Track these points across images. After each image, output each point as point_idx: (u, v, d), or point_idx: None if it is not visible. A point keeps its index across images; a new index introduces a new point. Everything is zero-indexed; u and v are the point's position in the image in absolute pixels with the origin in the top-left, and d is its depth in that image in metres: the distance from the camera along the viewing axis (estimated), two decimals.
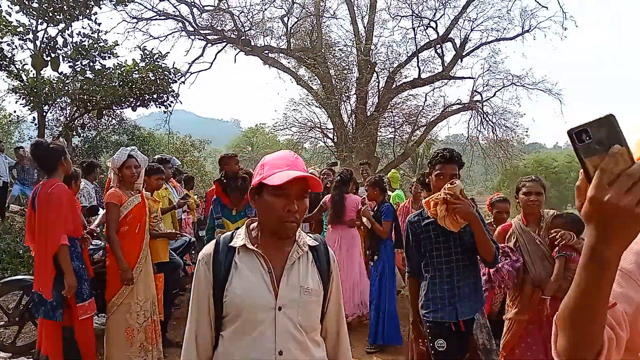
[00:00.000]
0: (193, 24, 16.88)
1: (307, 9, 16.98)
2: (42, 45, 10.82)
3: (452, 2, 16.09)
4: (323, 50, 16.68)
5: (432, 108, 17.22)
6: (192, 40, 17.28)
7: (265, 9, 16.84)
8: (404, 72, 16.90)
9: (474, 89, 16.44)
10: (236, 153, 5.01)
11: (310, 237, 1.66)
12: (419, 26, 16.04)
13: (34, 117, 11.60)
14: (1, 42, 10.30)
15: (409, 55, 16.47)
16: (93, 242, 4.42)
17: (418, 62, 16.25)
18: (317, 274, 1.58)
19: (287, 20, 16.64)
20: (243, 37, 16.60)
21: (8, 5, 10.58)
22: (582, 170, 0.84)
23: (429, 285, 2.89)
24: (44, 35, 10.93)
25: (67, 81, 10.97)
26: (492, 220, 4.55)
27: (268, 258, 1.52)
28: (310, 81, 17.67)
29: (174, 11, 16.75)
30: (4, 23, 10.26)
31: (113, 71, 11.13)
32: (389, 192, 7.44)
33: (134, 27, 16.10)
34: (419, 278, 3.01)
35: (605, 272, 0.81)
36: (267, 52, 17.39)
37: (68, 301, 3.51)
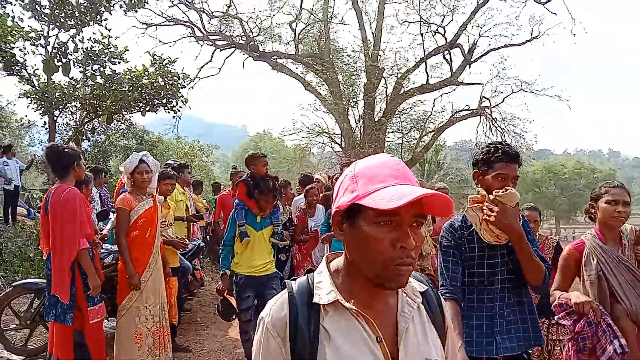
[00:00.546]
0: (202, 29, 17.01)
1: (315, 15, 17.06)
2: (54, 51, 10.94)
3: (461, 8, 16.11)
4: (331, 56, 16.74)
5: (440, 114, 17.21)
6: (201, 45, 17.42)
7: (274, 15, 16.95)
8: (412, 77, 16.94)
9: (483, 94, 16.41)
10: (265, 153, 4.51)
11: (414, 277, 1.16)
12: (427, 32, 16.06)
13: (44, 122, 11.70)
14: (13, 48, 10.41)
15: (417, 61, 16.49)
16: (103, 247, 4.45)
17: (426, 68, 16.26)
18: (437, 335, 1.13)
19: (296, 26, 16.73)
20: (251, 43, 16.69)
21: (20, 11, 10.73)
22: None
23: (464, 309, 2.34)
24: (55, 40, 11.05)
25: (78, 86, 11.07)
26: None
27: (372, 319, 1.04)
28: (318, 86, 17.72)
29: (183, 17, 16.90)
30: (16, 28, 10.38)
31: (123, 76, 11.21)
32: None
33: (143, 33, 16.26)
34: (459, 301, 2.33)
35: None
36: (275, 57, 17.48)
37: (79, 305, 3.53)
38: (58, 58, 11.00)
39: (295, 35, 16.71)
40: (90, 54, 11.11)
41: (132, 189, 3.99)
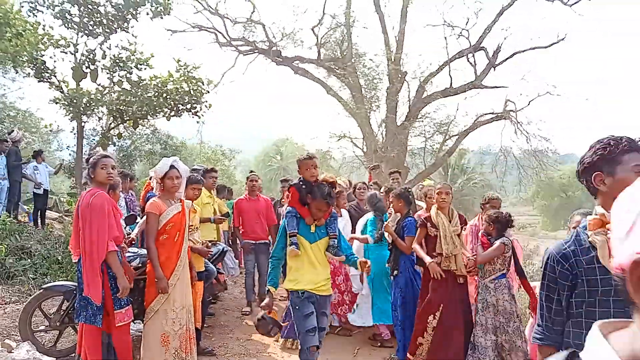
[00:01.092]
0: (226, 35, 17.20)
1: (337, 20, 17.09)
2: (82, 58, 11.21)
3: (485, 10, 15.93)
4: (353, 60, 16.73)
5: (464, 118, 17.04)
6: (225, 51, 17.61)
7: (296, 20, 17.06)
8: (435, 81, 16.79)
9: (507, 98, 16.17)
10: (315, 155, 3.90)
11: None
12: (450, 35, 15.93)
13: (73, 127, 11.98)
14: (44, 55, 10.70)
15: (440, 64, 16.34)
16: (130, 250, 4.50)
17: (450, 71, 16.11)
18: None
19: (318, 31, 16.79)
20: (274, 48, 16.81)
21: (51, 20, 11.03)
22: None
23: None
24: (83, 48, 11.33)
25: (105, 92, 11.31)
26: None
27: None
28: (340, 91, 17.72)
29: (207, 23, 17.13)
30: (47, 36, 10.67)
31: (149, 82, 11.41)
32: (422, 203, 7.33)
33: (169, 39, 16.54)
34: (558, 347, 1.90)
35: None
36: (297, 62, 17.56)
37: (107, 308, 3.58)
38: (86, 65, 11.27)
39: (317, 40, 16.76)
40: (117, 61, 11.36)
41: (162, 193, 4.04)
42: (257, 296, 6.66)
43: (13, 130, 9.56)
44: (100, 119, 13.75)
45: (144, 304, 4.10)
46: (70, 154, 14.33)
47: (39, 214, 9.56)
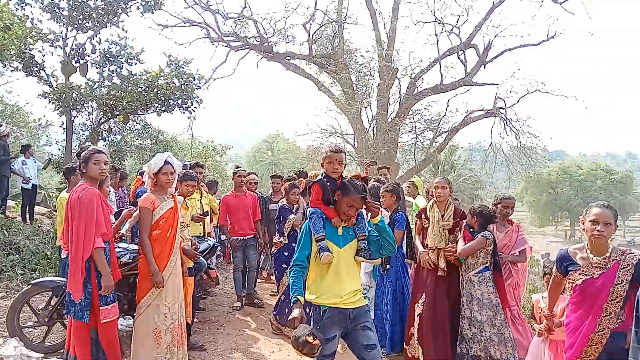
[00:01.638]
0: (217, 31, 17.12)
1: (329, 16, 17.08)
2: (72, 52, 11.10)
3: (476, 8, 16.01)
4: (344, 57, 16.75)
5: (454, 114, 17.12)
6: (216, 46, 17.53)
7: (288, 16, 17.00)
8: (426, 78, 16.88)
9: (497, 95, 16.28)
10: (342, 149, 3.40)
11: None
12: (441, 32, 15.99)
13: (62, 122, 11.87)
14: (32, 49, 10.58)
15: (431, 61, 16.41)
16: (120, 245, 4.50)
17: (440, 68, 16.18)
18: None
19: (309, 27, 16.75)
20: (265, 44, 16.76)
21: (39, 13, 10.91)
22: None
23: None
24: (73, 42, 11.21)
25: (95, 87, 11.20)
26: None
27: None
28: (332, 87, 17.73)
29: (198, 19, 17.02)
30: (35, 30, 10.55)
31: (139, 77, 11.32)
32: (411, 199, 7.38)
33: (159, 34, 16.43)
34: None
35: None
36: (289, 58, 17.54)
37: (93, 304, 3.58)
38: (76, 59, 11.17)
39: (309, 36, 16.74)
40: (107, 55, 11.27)
41: (155, 188, 4.05)
42: (245, 292, 6.68)
43: (1, 125, 9.47)
44: (90, 113, 13.63)
45: (134, 299, 4.11)
46: (59, 149, 14.19)
47: (27, 209, 9.48)
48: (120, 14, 11.26)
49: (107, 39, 11.51)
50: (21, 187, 9.75)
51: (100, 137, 12.58)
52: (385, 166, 8.05)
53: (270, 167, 41.17)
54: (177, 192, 4.61)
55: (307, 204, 5.89)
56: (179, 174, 4.43)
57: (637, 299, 2.38)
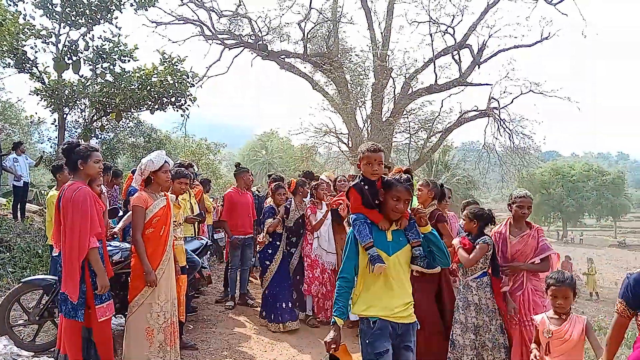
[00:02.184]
0: (211, 28, 17.05)
1: (324, 15, 17.06)
2: (64, 49, 11.02)
3: (470, 8, 16.05)
4: (339, 56, 16.74)
5: (448, 114, 17.16)
6: (210, 44, 17.47)
7: (283, 14, 16.97)
8: (420, 78, 16.90)
9: (491, 95, 16.33)
10: (381, 147, 3.01)
11: None
12: (436, 32, 16.01)
13: (54, 119, 11.79)
14: (25, 45, 10.50)
15: (425, 61, 16.44)
16: (112, 244, 4.47)
17: (435, 68, 16.21)
18: None
19: (304, 26, 16.73)
20: (260, 42, 16.72)
21: (32, 9, 10.82)
22: None
23: None
24: (66, 38, 11.13)
25: (88, 84, 11.13)
26: None
27: None
28: (326, 86, 17.72)
29: (192, 16, 16.95)
30: (28, 26, 10.47)
31: (132, 74, 11.26)
32: None
33: (153, 31, 16.34)
34: None
35: None
36: (283, 56, 17.51)
37: (88, 302, 3.55)
38: (68, 56, 11.09)
39: (303, 35, 16.71)
40: (100, 52, 11.19)
41: (148, 187, 4.02)
42: (238, 291, 6.66)
43: None
44: (82, 111, 13.56)
45: (126, 298, 4.09)
46: (51, 146, 14.13)
47: (18, 206, 9.40)
48: (113, 10, 11.20)
49: (100, 36, 11.45)
50: (12, 184, 9.67)
51: (92, 135, 12.52)
52: (386, 165, 7.79)
53: (264, 165, 41.11)
54: (169, 190, 4.59)
55: (290, 202, 6.00)
56: (171, 172, 4.44)
57: None
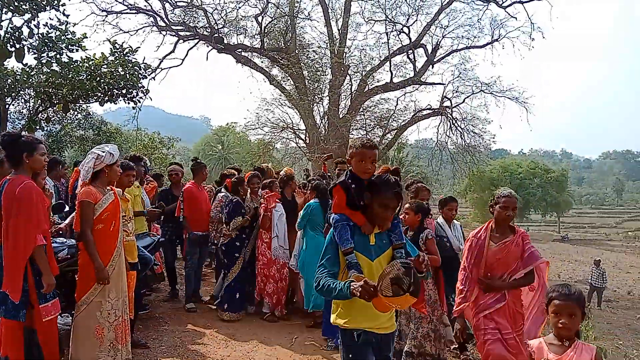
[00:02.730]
0: (165, 19, 16.60)
1: (281, 9, 16.96)
2: (6, 35, 10.43)
3: (425, 8, 16.40)
4: (297, 51, 16.69)
5: (403, 112, 17.47)
6: (164, 35, 17.00)
7: (239, 7, 16.74)
8: (376, 75, 17.11)
9: (444, 94, 16.77)
10: (376, 144, 2.81)
11: None
12: (392, 31, 16.24)
13: None
14: None
15: (381, 59, 16.66)
16: (57, 240, 4.30)
17: (390, 66, 16.45)
18: None
19: (261, 20, 16.57)
20: (216, 35, 16.43)
21: None
22: None
23: None
24: (8, 25, 10.54)
25: (32, 73, 10.60)
26: None
27: None
28: (284, 81, 17.65)
29: (145, 5, 16.44)
30: None
31: (80, 64, 10.80)
32: None
33: (103, 20, 15.73)
34: None
35: None
36: (240, 50, 17.27)
37: (31, 302, 3.41)
38: (11, 43, 10.50)
39: (261, 29, 16.55)
40: (46, 40, 10.67)
41: (98, 181, 3.89)
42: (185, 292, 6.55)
43: None
44: (26, 101, 12.93)
45: (72, 296, 3.96)
46: None
47: None
48: None
49: (47, 23, 10.89)
50: None
51: (37, 127, 11.94)
52: (343, 160, 7.40)
53: (220, 160, 40.55)
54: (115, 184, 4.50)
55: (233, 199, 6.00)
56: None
57: None
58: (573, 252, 33.32)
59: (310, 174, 7.93)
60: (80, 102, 11.88)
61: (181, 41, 17.06)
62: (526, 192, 46.82)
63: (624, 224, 65.19)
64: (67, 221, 4.72)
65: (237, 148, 38.04)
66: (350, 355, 2.61)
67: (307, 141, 17.10)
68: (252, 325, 5.74)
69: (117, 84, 10.89)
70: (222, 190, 6.56)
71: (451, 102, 16.72)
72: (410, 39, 16.30)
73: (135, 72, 11.13)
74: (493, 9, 16.25)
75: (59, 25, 10.90)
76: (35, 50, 10.63)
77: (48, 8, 10.59)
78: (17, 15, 10.40)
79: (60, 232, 4.59)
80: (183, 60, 17.44)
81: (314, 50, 17.41)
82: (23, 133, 3.56)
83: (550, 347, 2.57)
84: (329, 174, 7.43)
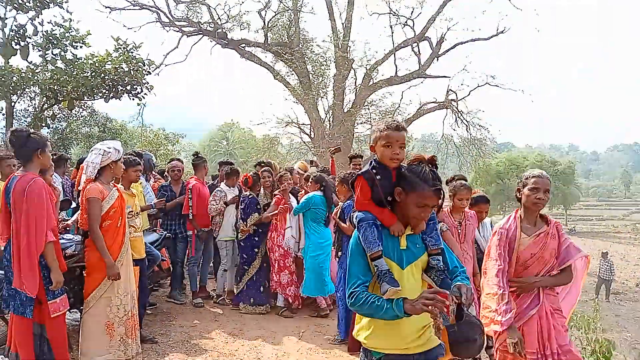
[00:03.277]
0: (168, 15, 16.59)
1: (284, 3, 16.90)
2: (12, 33, 10.47)
3: (429, 1, 16.30)
4: (300, 46, 16.63)
5: (408, 106, 17.41)
6: (167, 31, 16.99)
7: (243, 2, 16.69)
8: (380, 69, 17.03)
9: (449, 87, 16.68)
10: (404, 125, 2.34)
11: None
12: (396, 24, 16.17)
13: (1, 107, 11.23)
14: None
15: (386, 52, 16.59)
16: (65, 237, 4.32)
17: (395, 60, 16.38)
18: None
19: (265, 14, 16.53)
20: (219, 30, 16.40)
21: None
22: None
23: None
24: (13, 22, 10.58)
25: (37, 70, 10.64)
26: None
27: None
28: (288, 76, 17.60)
29: (148, 2, 16.43)
30: None
31: (85, 61, 10.83)
32: None
33: (107, 17, 15.75)
34: None
35: None
36: (243, 45, 17.24)
37: (39, 298, 3.43)
38: (16, 41, 10.54)
39: (264, 24, 16.51)
40: (50, 38, 10.70)
41: (103, 177, 3.91)
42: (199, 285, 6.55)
43: None
44: (32, 99, 12.98)
45: (80, 292, 3.98)
46: (2, 135, 13.45)
47: None
48: None
49: (50, 20, 10.93)
50: None
51: (43, 124, 11.99)
52: (359, 155, 7.23)
53: (225, 156, 40.58)
54: (121, 179, 4.56)
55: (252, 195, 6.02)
56: (126, 160, 4.44)
57: None
58: (581, 245, 33.09)
59: (317, 165, 7.87)
60: (85, 99, 11.90)
61: (185, 37, 17.05)
62: None
63: (632, 216, 64.81)
64: (74, 218, 4.74)
65: (242, 144, 38.07)
66: None
67: (312, 136, 17.07)
68: (259, 320, 5.75)
69: (122, 81, 10.90)
70: (222, 184, 6.56)
71: (456, 95, 16.64)
72: (414, 31, 16.22)
73: (140, 68, 11.13)
74: (498, 1, 16.11)
75: (63, 22, 10.92)
76: (39, 48, 10.67)
77: (52, 5, 10.60)
78: (21, 12, 10.43)
79: (68, 228, 4.61)
80: (187, 56, 17.44)
81: (317, 45, 17.35)
82: (31, 130, 3.57)
83: (522, 229, 2.82)
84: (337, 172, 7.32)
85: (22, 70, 10.50)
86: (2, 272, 3.64)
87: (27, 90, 11.22)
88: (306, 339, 5.18)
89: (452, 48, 16.56)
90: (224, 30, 16.60)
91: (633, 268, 22.85)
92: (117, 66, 10.80)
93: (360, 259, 2.14)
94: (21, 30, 10.57)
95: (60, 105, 12.13)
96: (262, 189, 6.24)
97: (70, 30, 10.94)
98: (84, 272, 4.07)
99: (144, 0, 16.37)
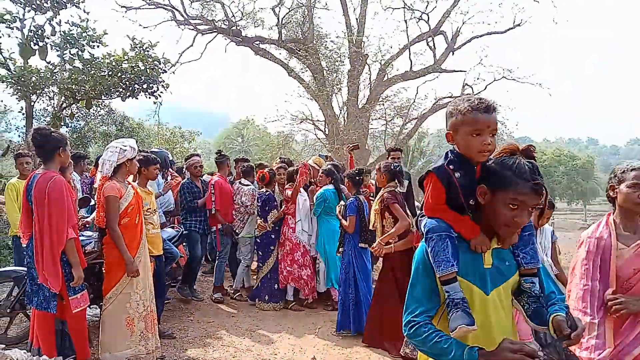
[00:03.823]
0: (183, 13, 16.69)
1: (298, 0, 16.87)
2: (30, 34, 10.62)
3: None
4: (314, 42, 16.61)
5: (423, 101, 17.27)
6: (182, 30, 17.10)
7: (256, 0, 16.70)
8: (395, 64, 16.93)
9: (465, 82, 16.50)
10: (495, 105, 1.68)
11: None
12: (411, 19, 16.03)
13: (21, 107, 11.42)
14: None
15: (400, 47, 16.47)
16: (85, 233, 4.39)
17: (410, 54, 16.26)
18: None
19: (279, 11, 16.53)
20: (234, 28, 16.46)
21: None
22: None
23: None
24: (31, 23, 10.73)
25: (55, 70, 10.79)
26: None
27: None
28: (302, 72, 17.59)
29: (163, 0, 16.55)
30: None
31: (102, 60, 10.95)
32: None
33: (123, 16, 15.91)
34: None
35: None
36: (258, 42, 17.27)
37: (61, 294, 3.49)
38: (34, 41, 10.69)
39: (278, 20, 16.52)
40: (68, 38, 10.83)
41: (118, 175, 3.97)
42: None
43: None
44: (50, 98, 13.15)
45: (100, 288, 4.04)
46: (19, 136, 13.70)
47: None
48: None
49: (68, 21, 11.06)
50: None
51: (62, 123, 12.17)
52: (398, 148, 6.97)
53: (240, 154, 40.79)
54: (140, 176, 4.64)
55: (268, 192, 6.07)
56: (143, 159, 4.51)
57: None
58: None
59: (333, 159, 7.88)
60: (103, 97, 12.04)
61: (200, 35, 17.14)
62: (551, 180, 45.89)
63: None
64: (93, 215, 4.81)
65: (257, 141, 38.20)
66: None
67: (327, 132, 17.05)
68: (276, 316, 5.79)
69: (138, 79, 11.00)
70: (243, 182, 6.60)
71: (472, 90, 16.46)
72: (429, 26, 16.07)
73: (156, 67, 11.22)
74: None
75: (80, 22, 11.05)
76: (57, 48, 10.81)
77: (69, 5, 10.74)
78: (39, 13, 10.58)
79: (87, 225, 4.68)
80: (202, 54, 17.54)
81: (332, 40, 17.31)
82: (51, 129, 3.63)
83: (619, 238, 2.05)
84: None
85: (41, 71, 10.66)
86: (25, 269, 3.71)
87: (46, 90, 11.37)
88: (322, 334, 5.20)
89: (467, 42, 16.39)
90: (238, 28, 16.65)
91: None
92: (133, 65, 10.90)
93: (426, 280, 1.68)
94: (39, 31, 10.72)
95: (78, 105, 12.28)
96: (276, 185, 6.31)
97: (87, 30, 11.06)
98: (102, 268, 4.13)
99: None
